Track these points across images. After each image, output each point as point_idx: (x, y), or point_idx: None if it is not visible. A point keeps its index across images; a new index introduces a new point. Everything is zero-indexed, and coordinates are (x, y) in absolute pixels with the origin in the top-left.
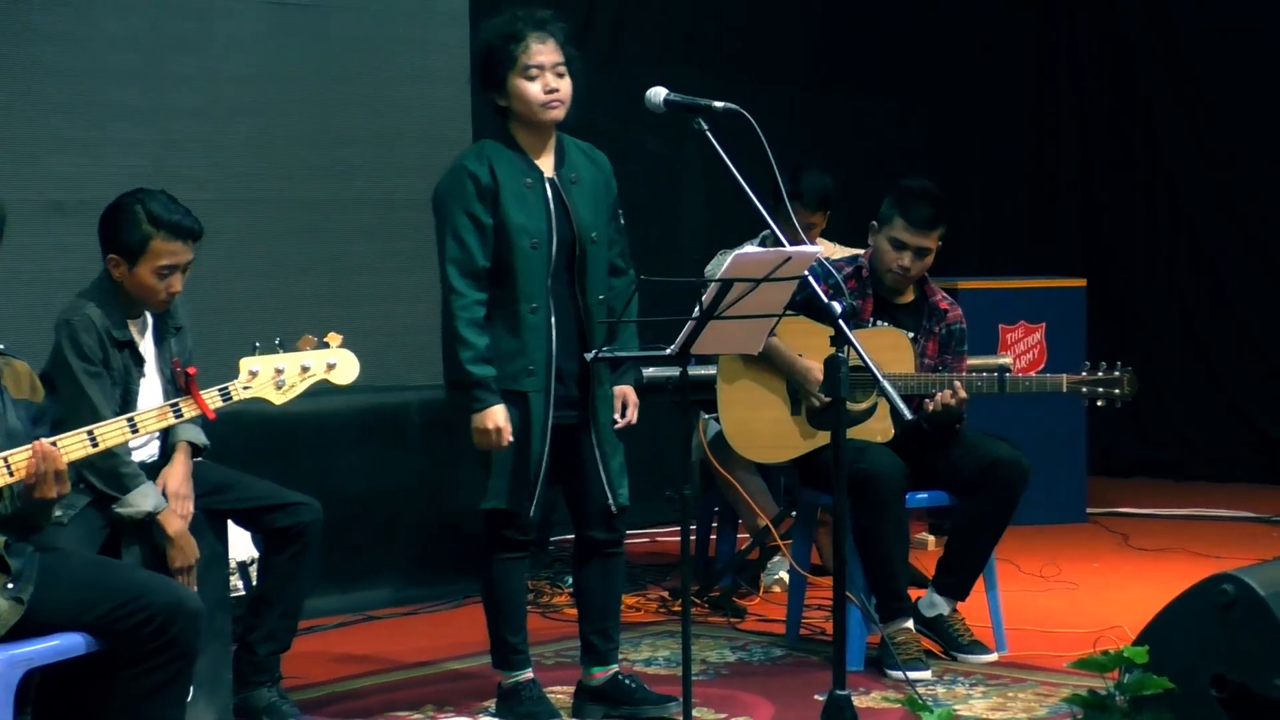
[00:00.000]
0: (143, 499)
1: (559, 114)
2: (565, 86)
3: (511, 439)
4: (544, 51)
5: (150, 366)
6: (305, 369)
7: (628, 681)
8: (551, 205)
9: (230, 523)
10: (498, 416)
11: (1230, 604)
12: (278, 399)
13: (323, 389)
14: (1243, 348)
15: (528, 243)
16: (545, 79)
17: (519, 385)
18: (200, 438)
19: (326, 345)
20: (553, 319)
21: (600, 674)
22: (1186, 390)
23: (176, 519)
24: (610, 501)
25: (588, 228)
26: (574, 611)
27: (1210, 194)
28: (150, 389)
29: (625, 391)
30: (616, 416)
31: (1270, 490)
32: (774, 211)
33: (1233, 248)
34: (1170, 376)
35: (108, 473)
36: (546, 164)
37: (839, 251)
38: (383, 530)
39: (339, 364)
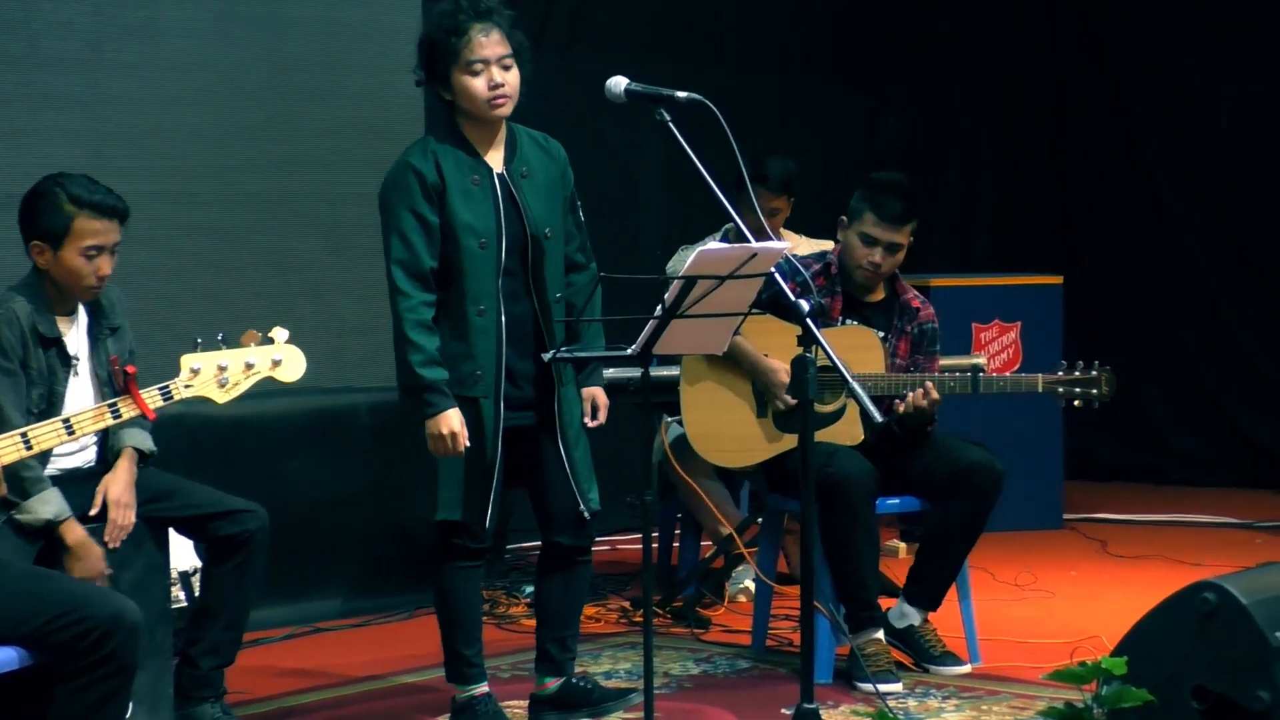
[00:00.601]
0: (42, 506)
1: (506, 110)
2: (512, 80)
3: (468, 444)
4: (487, 44)
5: (83, 366)
6: (249, 366)
7: (582, 684)
8: (501, 203)
9: (172, 531)
10: (452, 421)
11: (1211, 613)
12: (221, 397)
13: (269, 390)
14: (1224, 347)
15: (475, 242)
16: (490, 74)
17: (468, 390)
18: (147, 443)
19: (271, 341)
20: (503, 320)
21: (553, 683)
22: (1166, 391)
23: (77, 529)
24: (581, 507)
25: (540, 224)
26: (531, 623)
27: (1190, 189)
28: (80, 390)
29: (595, 393)
30: (587, 419)
31: (1253, 495)
32: (737, 204)
33: (1213, 244)
34: (1149, 377)
35: (10, 476)
36: (495, 159)
37: (806, 245)
38: (331, 538)
39: (285, 360)
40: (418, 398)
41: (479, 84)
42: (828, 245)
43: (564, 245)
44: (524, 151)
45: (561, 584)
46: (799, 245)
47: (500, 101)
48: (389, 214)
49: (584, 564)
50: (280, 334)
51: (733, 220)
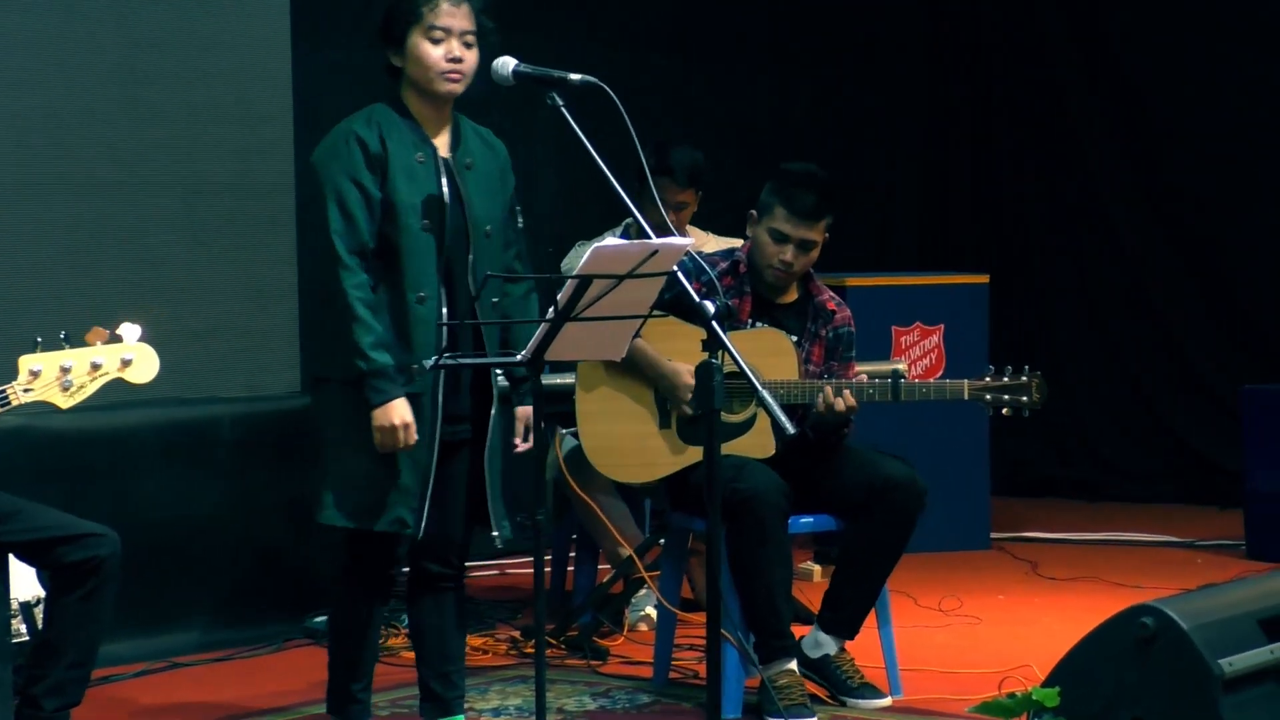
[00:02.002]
0: None
1: (458, 88)
2: (471, 58)
3: (415, 438)
4: (455, 15)
5: None
6: (96, 367)
7: None
8: (445, 186)
9: (12, 557)
10: (403, 410)
11: (1150, 639)
12: (64, 402)
13: (121, 400)
14: (1164, 352)
15: (417, 223)
16: (450, 45)
17: (406, 384)
18: None
19: (120, 339)
20: (444, 311)
21: None
22: (1102, 399)
23: None
24: (496, 533)
25: (481, 220)
26: (413, 655)
27: (1127, 181)
28: None
29: (527, 414)
30: (517, 439)
31: (1195, 511)
32: (638, 198)
33: (1153, 241)
34: (1083, 383)
35: None
36: (441, 141)
37: (713, 243)
38: (190, 564)
39: (136, 360)
40: (362, 384)
41: (436, 53)
42: (737, 243)
43: (502, 251)
44: (468, 142)
45: (434, 613)
46: (706, 243)
47: (455, 77)
48: (326, 183)
49: (453, 590)
50: (130, 331)
51: (632, 215)
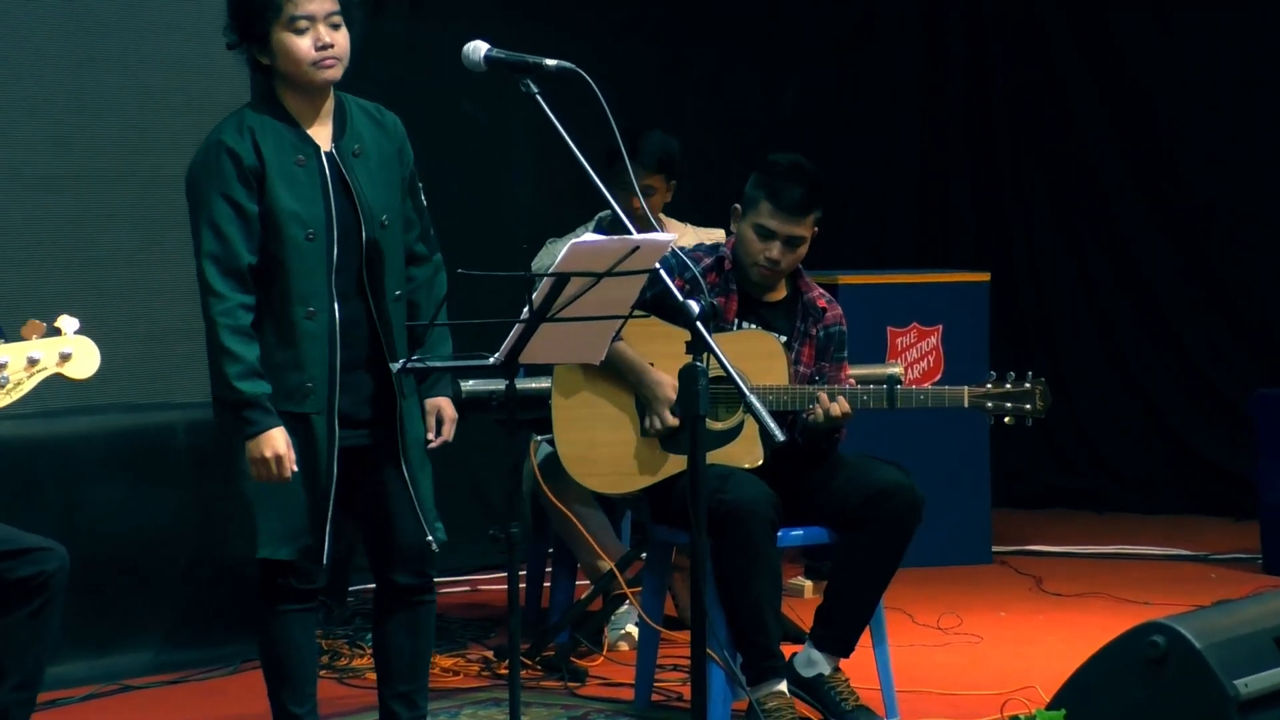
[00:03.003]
0: None
1: (335, 74)
2: (341, 40)
3: (295, 469)
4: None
5: None
6: (33, 362)
7: None
8: (330, 186)
9: None
10: (276, 442)
11: (1161, 658)
12: (1, 400)
13: (68, 407)
14: (1173, 356)
15: (302, 233)
16: (317, 32)
17: (296, 405)
18: None
19: (58, 332)
20: (336, 323)
21: None
22: (1108, 404)
23: None
24: (428, 538)
25: (376, 211)
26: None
27: (1133, 176)
28: None
29: (439, 405)
30: (430, 435)
31: (1207, 522)
32: (614, 189)
33: (1160, 238)
34: (1089, 388)
35: None
36: (323, 134)
37: (691, 235)
38: (142, 580)
39: (75, 354)
40: (235, 415)
41: (304, 44)
42: (717, 234)
43: (403, 235)
44: (355, 126)
45: (402, 630)
46: (684, 235)
47: (329, 63)
48: (198, 201)
49: (425, 605)
50: (68, 324)
51: (610, 207)
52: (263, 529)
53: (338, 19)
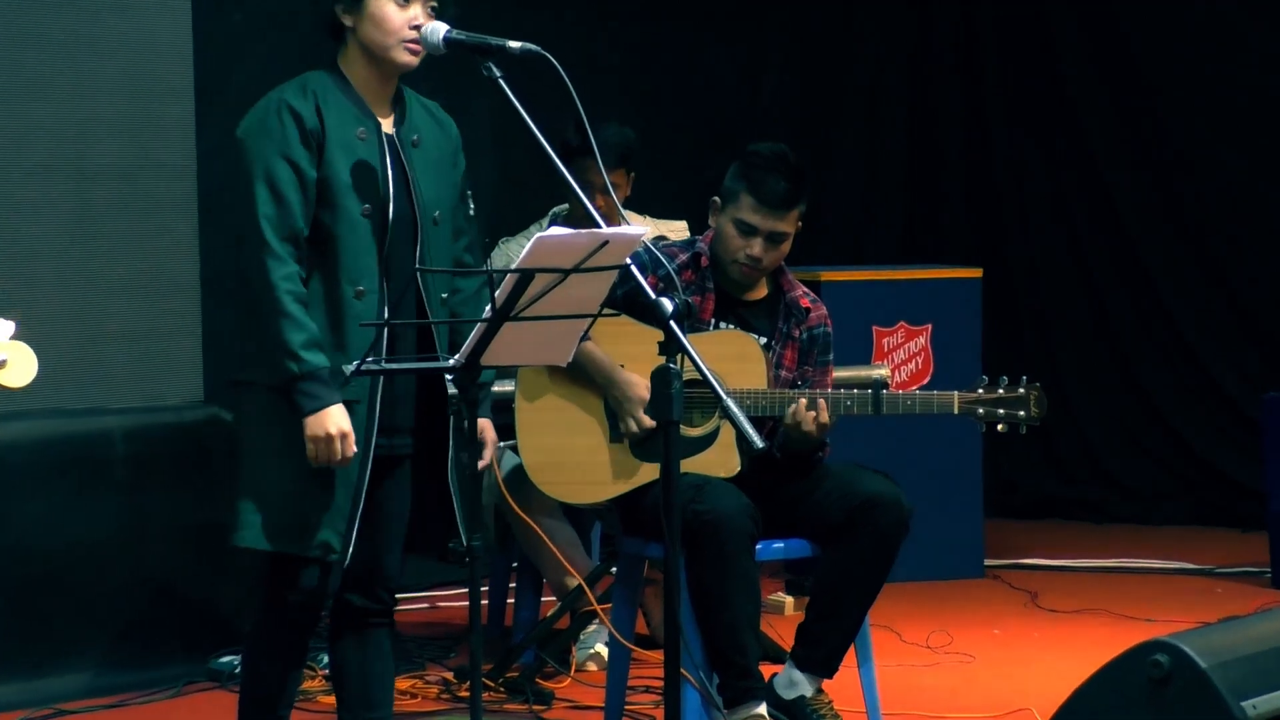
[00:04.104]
0: None
1: (415, 60)
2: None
3: (356, 449)
4: None
5: None
6: None
7: None
8: (390, 166)
9: None
10: (340, 418)
11: (1164, 679)
12: None
13: None
14: (1177, 357)
15: (357, 208)
16: (416, 10)
17: (340, 391)
18: None
19: None
20: (385, 308)
21: None
22: (1108, 409)
23: None
24: (463, 542)
25: (429, 204)
26: (332, 699)
27: (1135, 167)
28: None
29: (485, 426)
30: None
31: (1212, 534)
32: (618, 160)
33: (1164, 234)
34: (1088, 392)
35: None
36: (385, 117)
37: (651, 228)
38: (78, 597)
39: (10, 360)
40: (293, 388)
41: (402, 16)
42: (678, 226)
43: (452, 241)
44: (414, 118)
45: (358, 652)
46: (644, 228)
47: (415, 48)
48: (253, 161)
49: (381, 627)
50: (2, 328)
51: (577, 199)
52: (277, 521)
53: (435, 4)
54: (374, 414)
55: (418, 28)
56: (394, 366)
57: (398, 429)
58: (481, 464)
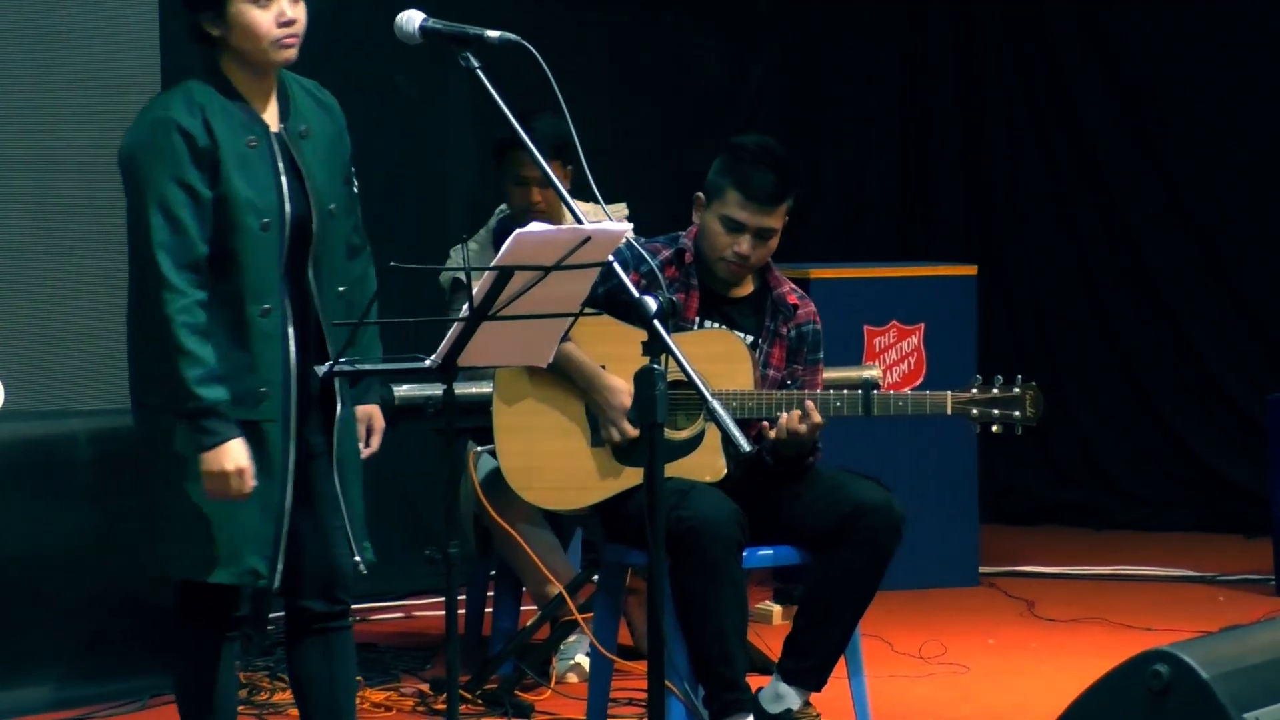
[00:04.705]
0: None
1: (293, 54)
2: (302, 15)
3: (254, 484)
4: None
5: None
6: None
7: None
8: (282, 170)
9: None
10: (239, 454)
11: (1164, 690)
12: None
13: None
14: (1179, 357)
15: (256, 223)
16: (280, 7)
17: (250, 412)
18: None
19: None
20: (289, 322)
21: None
22: (1107, 411)
23: None
24: (358, 558)
25: (325, 197)
26: (297, 712)
27: (1136, 161)
28: None
29: (371, 412)
30: (360, 445)
31: (1215, 540)
32: (553, 153)
33: (1165, 230)
34: (1086, 393)
35: None
36: (270, 115)
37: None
38: (41, 606)
39: None
40: (192, 424)
41: (266, 19)
42: (620, 210)
43: (345, 225)
44: (299, 106)
45: (319, 661)
46: (586, 214)
47: (290, 42)
48: (145, 184)
49: (341, 631)
50: None
51: (559, 194)
52: (198, 550)
53: None
54: (289, 432)
55: (288, 23)
56: (368, 367)
57: (313, 428)
58: (369, 451)
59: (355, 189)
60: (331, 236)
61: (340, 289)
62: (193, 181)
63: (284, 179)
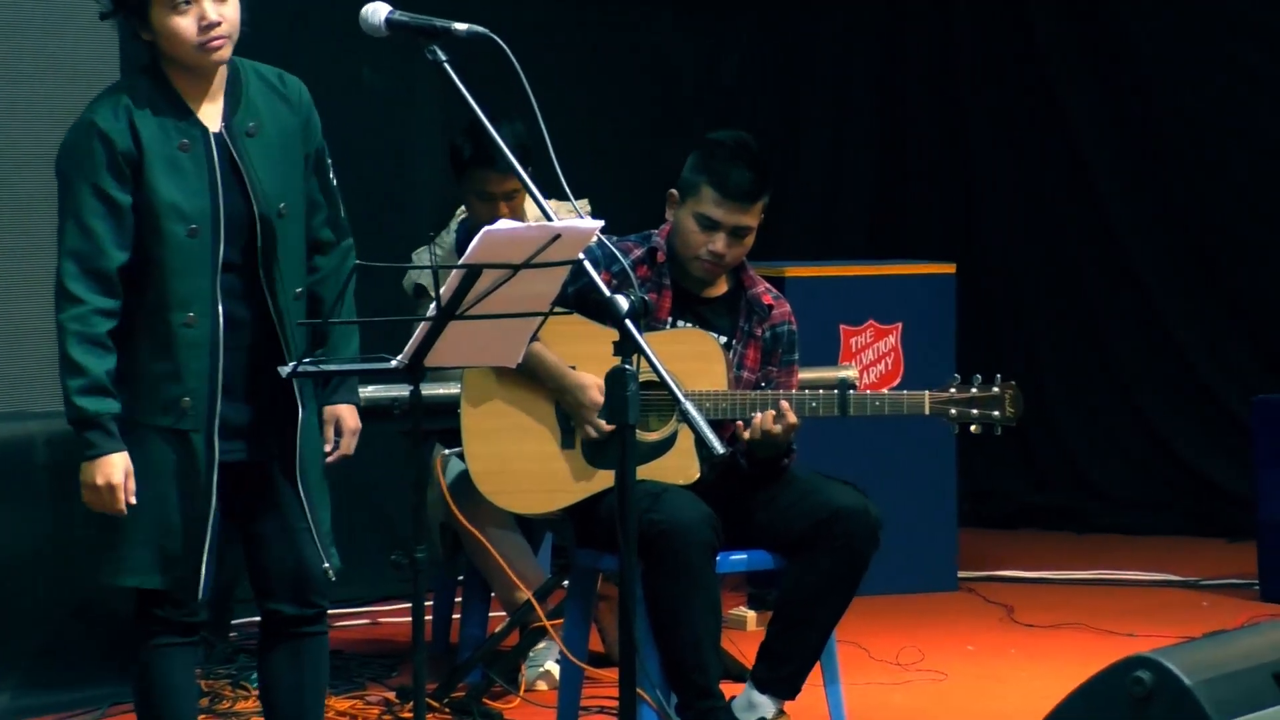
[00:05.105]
0: None
1: (224, 53)
2: (230, 12)
3: (133, 501)
4: None
5: None
6: None
7: None
8: (219, 174)
9: None
10: (112, 469)
11: (1146, 697)
12: None
13: None
14: (1163, 357)
15: (182, 229)
16: (200, 8)
17: (175, 422)
18: None
19: None
20: (220, 329)
21: None
22: (1089, 412)
23: None
24: (324, 563)
25: (273, 198)
26: None
27: (1118, 153)
28: None
29: (340, 413)
30: (328, 447)
31: (1198, 544)
32: (465, 181)
33: (1149, 225)
34: (1067, 393)
35: None
36: (212, 112)
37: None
38: None
39: None
40: (76, 434)
41: (186, 24)
42: (584, 206)
43: (306, 222)
44: (251, 100)
45: (290, 668)
46: (555, 212)
47: (217, 44)
48: (65, 190)
49: (314, 637)
50: None
51: (529, 190)
52: (130, 554)
53: None
54: (213, 442)
55: (210, 25)
56: (333, 368)
57: (244, 434)
58: (337, 455)
59: (331, 179)
60: (283, 237)
61: (298, 289)
62: (107, 188)
63: (220, 183)
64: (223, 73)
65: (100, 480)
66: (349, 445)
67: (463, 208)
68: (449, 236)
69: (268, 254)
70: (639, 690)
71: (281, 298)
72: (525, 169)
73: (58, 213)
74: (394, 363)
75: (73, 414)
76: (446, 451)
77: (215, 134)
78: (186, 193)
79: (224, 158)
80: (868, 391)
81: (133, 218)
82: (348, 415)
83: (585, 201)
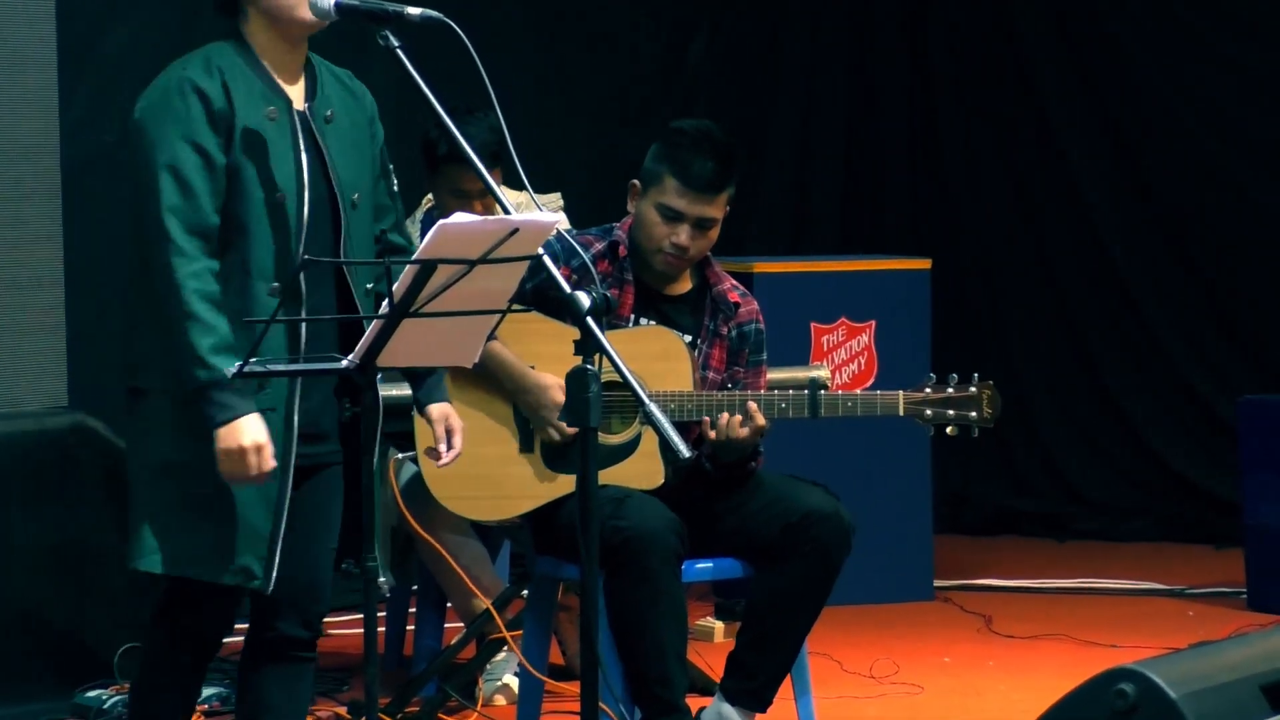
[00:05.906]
0: None
1: (309, 14)
2: None
3: (274, 463)
4: None
5: None
6: None
7: None
8: (303, 147)
9: None
10: (254, 430)
11: (1130, 710)
12: None
13: None
14: (1144, 357)
15: (270, 197)
16: None
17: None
18: None
19: None
20: (303, 305)
21: None
22: (1069, 414)
23: None
24: (381, 579)
25: (348, 186)
26: None
27: (1099, 148)
28: None
29: (447, 412)
30: (440, 447)
31: (1183, 551)
32: (491, 160)
33: (1132, 222)
34: (1048, 396)
35: None
36: (295, 91)
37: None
38: None
39: None
40: (201, 398)
41: None
42: (553, 200)
43: (372, 222)
44: (326, 90)
45: (280, 691)
46: (521, 206)
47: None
48: (155, 145)
49: (308, 663)
50: None
51: (485, 183)
52: (187, 544)
53: None
54: (292, 422)
55: None
56: (279, 368)
57: (323, 435)
58: (452, 454)
59: (394, 184)
60: (356, 229)
61: (369, 285)
62: (207, 144)
63: (304, 157)
64: (301, 55)
65: (246, 441)
66: (461, 444)
67: (429, 196)
68: (413, 227)
69: (346, 240)
70: (601, 705)
71: (356, 290)
72: (499, 163)
73: (141, 167)
74: (344, 362)
75: (207, 375)
76: (400, 455)
77: (299, 111)
78: (273, 160)
79: (306, 135)
80: (840, 392)
81: (224, 180)
82: (454, 414)
83: (557, 195)
